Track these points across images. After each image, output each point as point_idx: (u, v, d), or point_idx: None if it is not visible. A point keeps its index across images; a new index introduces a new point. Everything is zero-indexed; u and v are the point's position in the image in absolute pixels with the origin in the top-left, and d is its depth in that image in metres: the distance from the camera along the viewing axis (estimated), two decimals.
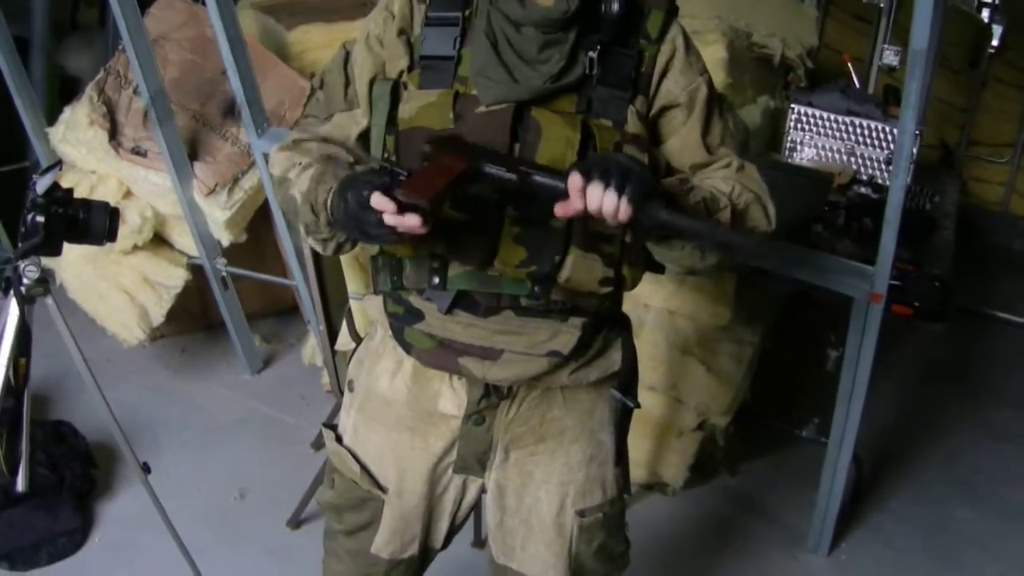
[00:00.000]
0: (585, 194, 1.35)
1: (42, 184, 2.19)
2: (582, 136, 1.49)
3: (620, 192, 1.34)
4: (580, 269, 1.54)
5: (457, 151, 1.40)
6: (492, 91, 1.51)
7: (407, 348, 1.65)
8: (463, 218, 1.47)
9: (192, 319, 4.16)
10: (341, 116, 1.66)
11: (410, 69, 1.58)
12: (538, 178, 1.39)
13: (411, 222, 1.32)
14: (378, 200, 1.34)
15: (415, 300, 1.61)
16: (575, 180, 1.35)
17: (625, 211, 1.34)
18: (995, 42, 6.24)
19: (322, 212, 1.54)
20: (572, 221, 1.47)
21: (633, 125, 1.53)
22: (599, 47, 1.52)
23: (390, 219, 1.34)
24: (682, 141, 1.61)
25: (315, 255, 2.66)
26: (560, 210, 1.38)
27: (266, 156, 2.70)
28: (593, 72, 1.52)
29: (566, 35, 1.50)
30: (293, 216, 1.64)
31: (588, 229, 1.51)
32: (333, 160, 1.58)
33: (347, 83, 1.65)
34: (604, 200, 1.34)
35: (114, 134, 3.55)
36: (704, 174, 1.61)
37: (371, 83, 1.61)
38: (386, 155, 1.57)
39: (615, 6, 1.50)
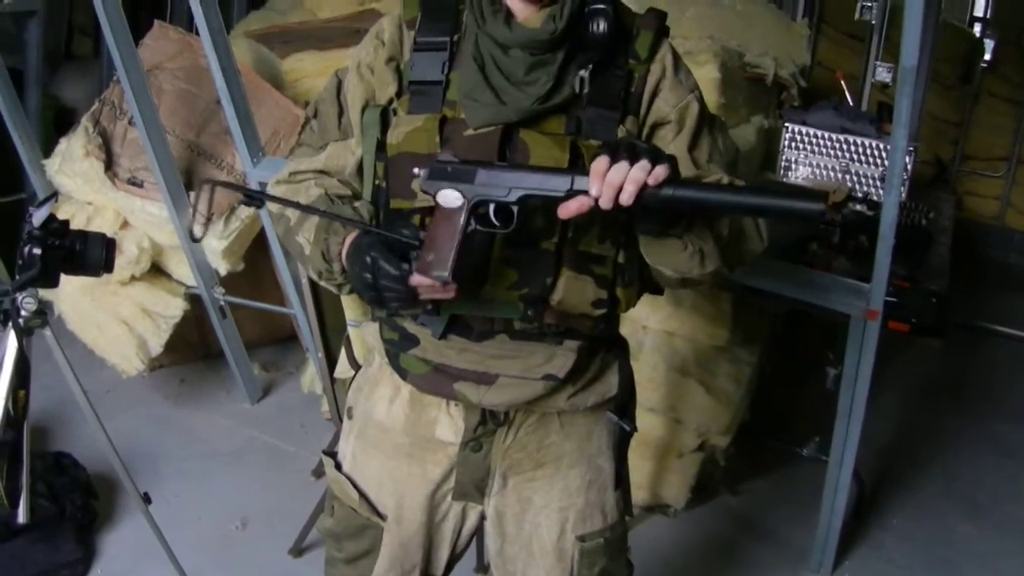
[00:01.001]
0: (605, 177, 1.31)
1: (38, 216, 2.20)
2: (571, 157, 1.49)
3: (653, 162, 1.30)
4: (572, 291, 1.54)
5: (453, 182, 1.41)
6: (480, 114, 1.51)
7: (403, 374, 1.64)
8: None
9: (191, 349, 4.16)
10: (335, 146, 1.66)
11: (399, 95, 1.58)
12: (538, 193, 1.38)
13: (447, 295, 1.41)
14: (418, 281, 1.39)
15: (410, 326, 1.61)
16: (601, 162, 1.31)
17: (660, 173, 1.29)
18: (987, 56, 6.28)
19: (335, 261, 1.55)
20: (563, 242, 1.47)
21: None
22: (592, 66, 1.50)
23: (426, 293, 1.41)
24: None
25: (312, 283, 2.66)
26: (563, 212, 1.36)
27: (262, 185, 2.71)
28: (583, 92, 1.51)
29: (554, 56, 1.50)
30: (299, 259, 1.65)
31: (578, 249, 1.51)
32: (335, 201, 1.60)
33: (340, 112, 1.66)
34: (634, 170, 1.29)
35: (110, 165, 3.56)
36: None
37: (363, 110, 1.61)
38: (377, 181, 1.59)
39: (602, 25, 1.50)
